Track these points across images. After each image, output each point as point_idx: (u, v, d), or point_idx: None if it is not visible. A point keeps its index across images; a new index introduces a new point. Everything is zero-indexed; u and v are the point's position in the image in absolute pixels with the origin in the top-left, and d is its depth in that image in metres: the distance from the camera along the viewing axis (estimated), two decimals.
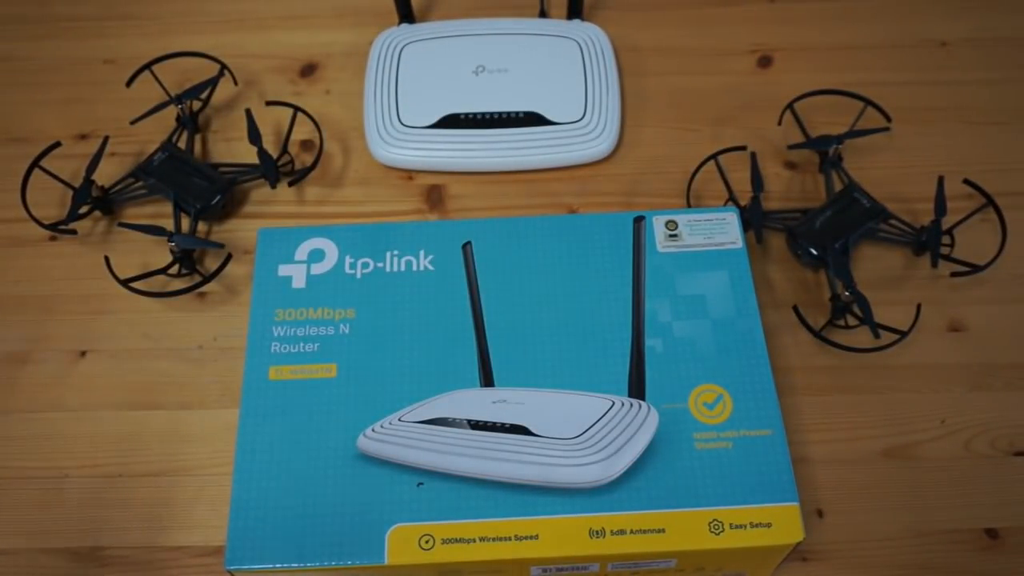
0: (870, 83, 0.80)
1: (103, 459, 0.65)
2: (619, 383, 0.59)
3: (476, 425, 0.58)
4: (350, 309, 0.63)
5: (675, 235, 0.66)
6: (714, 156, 0.76)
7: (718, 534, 0.54)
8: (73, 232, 0.74)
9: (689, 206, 0.75)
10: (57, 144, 0.77)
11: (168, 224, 0.72)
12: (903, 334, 0.67)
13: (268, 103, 0.80)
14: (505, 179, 0.77)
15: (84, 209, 0.73)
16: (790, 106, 0.79)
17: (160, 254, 0.73)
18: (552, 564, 0.55)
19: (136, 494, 0.64)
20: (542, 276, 0.64)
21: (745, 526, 0.54)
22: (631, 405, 0.58)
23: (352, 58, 0.84)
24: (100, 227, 0.75)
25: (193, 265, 0.72)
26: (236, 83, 0.83)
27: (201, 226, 0.75)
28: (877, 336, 0.66)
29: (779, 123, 0.79)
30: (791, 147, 0.76)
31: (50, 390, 0.68)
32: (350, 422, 0.58)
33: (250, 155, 0.76)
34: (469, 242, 0.65)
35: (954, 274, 0.71)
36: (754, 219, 0.71)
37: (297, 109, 0.79)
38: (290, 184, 0.77)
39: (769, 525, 0.55)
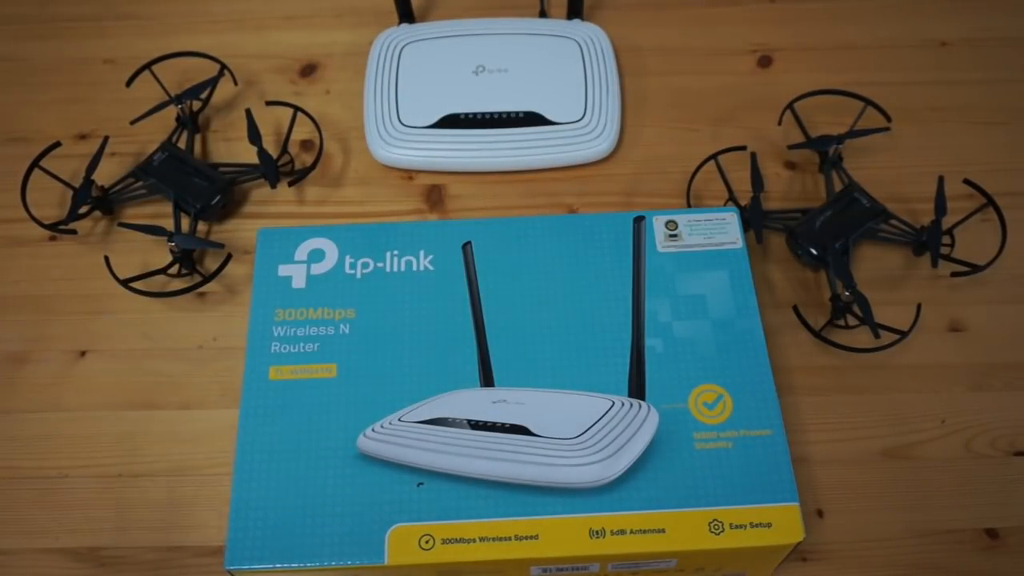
0: (870, 83, 0.80)
1: (103, 459, 0.65)
2: (619, 383, 0.59)
3: (476, 425, 0.58)
4: (350, 309, 0.63)
5: (675, 235, 0.66)
6: (714, 156, 0.76)
7: (718, 534, 0.54)
8: (73, 232, 0.74)
9: (689, 206, 0.75)
10: (57, 144, 0.77)
11: (168, 224, 0.72)
12: (903, 334, 0.67)
13: (268, 103, 0.80)
14: (505, 179, 0.77)
15: (84, 209, 0.73)
16: (790, 106, 0.79)
17: (160, 254, 0.73)
18: (552, 564, 0.55)
19: (136, 494, 0.64)
20: (542, 276, 0.64)
21: (745, 526, 0.54)
22: (631, 405, 0.58)
23: (352, 58, 0.84)
24: (100, 227, 0.75)
25: (193, 265, 0.72)
26: (236, 83, 0.83)
27: (201, 226, 0.75)
28: (877, 336, 0.66)
29: (779, 123, 0.79)
30: (791, 147, 0.76)
31: (50, 390, 0.68)
32: (350, 422, 0.58)
33: (250, 155, 0.76)
34: (469, 242, 0.65)
35: (954, 274, 0.71)
36: (754, 219, 0.71)
37: (297, 109, 0.79)
38: (290, 184, 0.77)
39: (769, 525, 0.55)
